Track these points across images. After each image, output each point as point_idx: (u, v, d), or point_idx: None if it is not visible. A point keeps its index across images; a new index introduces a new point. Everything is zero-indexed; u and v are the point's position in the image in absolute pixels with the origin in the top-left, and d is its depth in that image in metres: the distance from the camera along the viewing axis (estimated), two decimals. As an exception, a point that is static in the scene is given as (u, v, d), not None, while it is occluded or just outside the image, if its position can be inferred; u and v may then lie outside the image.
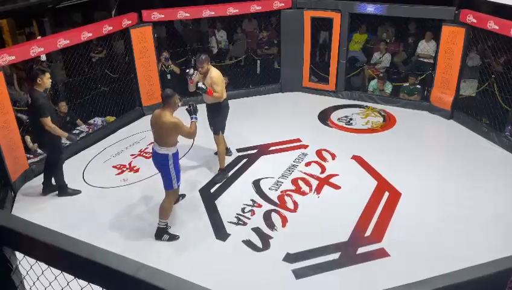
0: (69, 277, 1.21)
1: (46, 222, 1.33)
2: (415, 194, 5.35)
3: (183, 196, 5.36)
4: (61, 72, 7.90)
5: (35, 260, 1.26)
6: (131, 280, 1.03)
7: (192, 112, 4.69)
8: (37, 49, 5.90)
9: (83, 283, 1.17)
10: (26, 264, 1.40)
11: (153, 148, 4.57)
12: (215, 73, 5.39)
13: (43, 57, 7.29)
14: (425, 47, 8.07)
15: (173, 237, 4.65)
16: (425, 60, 8.08)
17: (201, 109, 5.32)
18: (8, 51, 5.70)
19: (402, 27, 8.69)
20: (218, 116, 5.66)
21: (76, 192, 5.53)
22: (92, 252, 1.12)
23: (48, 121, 4.99)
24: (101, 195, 5.57)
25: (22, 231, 1.22)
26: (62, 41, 6.20)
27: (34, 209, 5.26)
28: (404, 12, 7.56)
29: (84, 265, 1.11)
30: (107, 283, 1.10)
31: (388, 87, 8.14)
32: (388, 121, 7.47)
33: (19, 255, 1.35)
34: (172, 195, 4.62)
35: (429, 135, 7.13)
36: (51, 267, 1.23)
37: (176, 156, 4.52)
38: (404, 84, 8.01)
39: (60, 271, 1.20)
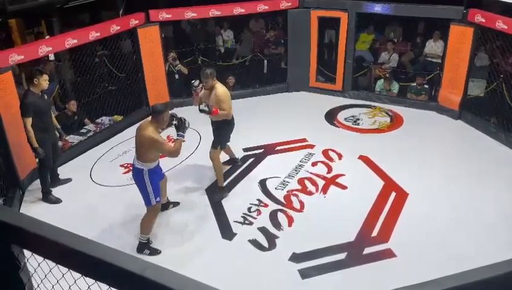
0: (77, 275, 1.21)
1: (54, 220, 1.34)
2: (422, 194, 5.32)
3: (176, 203, 5.21)
4: (69, 71, 7.94)
5: (43, 258, 1.27)
6: (139, 278, 1.03)
7: (180, 127, 4.26)
8: (45, 48, 5.95)
9: (90, 281, 1.17)
10: (34, 262, 1.41)
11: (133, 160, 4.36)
12: (221, 90, 5.02)
13: (52, 57, 7.34)
14: (433, 47, 8.03)
15: (155, 252, 4.44)
16: (433, 60, 8.03)
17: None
18: (17, 50, 5.75)
19: (409, 26, 8.64)
20: (221, 131, 5.28)
21: (58, 201, 5.43)
22: (99, 250, 1.12)
23: (26, 121, 4.98)
24: (108, 194, 5.60)
25: (30, 229, 1.23)
26: (70, 40, 6.25)
27: (42, 208, 5.30)
28: (412, 11, 7.51)
29: (91, 263, 1.11)
30: (114, 281, 1.11)
31: (395, 87, 8.10)
32: (395, 121, 7.44)
33: (27, 253, 1.36)
34: (153, 211, 4.38)
35: (437, 135, 7.09)
36: (59, 266, 1.24)
37: (153, 172, 4.25)
38: (412, 84, 7.97)
39: (68, 269, 1.21)
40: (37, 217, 1.30)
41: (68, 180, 5.83)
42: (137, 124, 7.39)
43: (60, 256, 1.21)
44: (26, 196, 5.61)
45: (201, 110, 4.90)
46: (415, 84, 7.90)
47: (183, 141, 4.29)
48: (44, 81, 5.08)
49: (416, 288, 1.06)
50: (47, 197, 5.43)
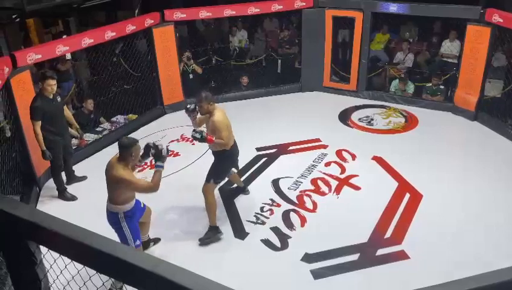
0: (91, 272, 1.23)
1: (69, 217, 1.36)
2: (436, 196, 5.27)
3: (157, 240, 4.61)
4: (85, 70, 8.05)
5: (58, 254, 1.30)
6: (150, 275, 1.05)
7: (158, 157, 3.73)
8: (62, 48, 6.03)
9: (104, 277, 1.19)
10: (50, 258, 1.44)
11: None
12: (217, 117, 4.41)
13: (68, 56, 7.45)
14: (449, 47, 7.93)
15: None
16: (449, 60, 7.94)
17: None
18: (34, 49, 5.84)
19: (425, 26, 8.55)
20: (218, 163, 4.66)
21: (74, 198, 5.50)
22: (113, 247, 1.15)
23: (34, 124, 5.04)
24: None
25: (46, 225, 1.25)
26: (87, 40, 6.32)
27: (58, 205, 5.38)
28: (428, 11, 7.43)
29: (105, 260, 1.13)
30: (127, 277, 1.13)
31: (410, 87, 8.03)
32: (410, 122, 7.37)
33: (43, 249, 1.38)
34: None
35: (452, 136, 7.00)
36: (74, 262, 1.26)
37: (130, 214, 3.78)
38: (427, 85, 7.89)
39: (83, 265, 1.23)
40: (52, 213, 1.33)
41: (84, 177, 5.91)
42: (152, 123, 7.61)
43: (75, 252, 1.24)
44: (43, 192, 5.70)
45: (193, 137, 4.35)
46: (430, 84, 7.81)
47: (162, 170, 3.77)
48: (48, 86, 5.07)
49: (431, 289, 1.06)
50: (63, 195, 5.51)
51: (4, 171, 5.07)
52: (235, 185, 5.48)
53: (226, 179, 5.10)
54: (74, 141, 6.71)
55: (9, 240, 1.40)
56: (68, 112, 5.59)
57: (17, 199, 5.16)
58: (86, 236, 1.20)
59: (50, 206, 5.34)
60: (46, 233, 1.26)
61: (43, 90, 5.12)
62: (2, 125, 5.49)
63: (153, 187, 3.69)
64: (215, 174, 4.61)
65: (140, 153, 3.82)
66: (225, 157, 4.62)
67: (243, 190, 5.46)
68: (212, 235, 4.62)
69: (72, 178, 5.78)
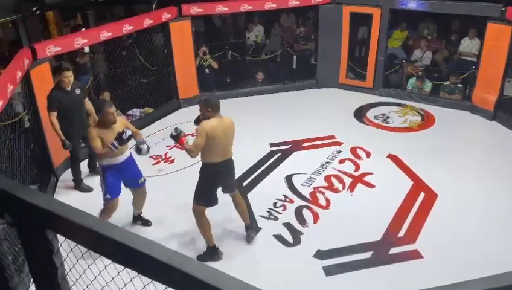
0: (107, 261, 1.26)
1: (85, 207, 1.39)
2: (452, 196, 5.21)
3: (147, 222, 4.87)
4: (102, 63, 8.13)
5: (75, 243, 1.32)
6: (165, 266, 1.07)
7: (119, 139, 4.14)
8: (81, 40, 6.11)
9: (119, 267, 1.21)
10: (66, 247, 1.47)
11: None
12: (206, 123, 4.00)
13: (86, 49, 7.53)
14: (468, 45, 7.80)
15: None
16: (468, 58, 7.80)
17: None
18: (54, 42, 5.92)
19: (444, 23, 8.41)
20: (200, 179, 4.21)
21: (90, 189, 5.59)
22: (128, 237, 1.16)
23: (49, 115, 5.13)
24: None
25: (64, 215, 1.28)
26: (105, 33, 6.39)
27: (74, 195, 5.46)
28: (448, 8, 7.32)
29: (120, 250, 1.15)
30: (141, 268, 1.14)
31: (428, 86, 7.93)
32: (427, 121, 7.29)
33: (60, 238, 1.41)
34: (106, 205, 4.39)
35: (470, 135, 6.90)
36: (90, 251, 1.29)
37: (108, 169, 4.29)
38: (445, 83, 7.77)
39: (99, 255, 1.25)
40: (69, 203, 1.35)
41: None
42: (167, 117, 7.66)
43: (91, 241, 1.26)
44: (60, 183, 5.79)
45: (170, 135, 4.21)
46: (448, 83, 7.70)
47: (113, 149, 4.14)
48: (65, 78, 5.15)
49: (444, 289, 1.05)
50: (79, 186, 5.60)
51: (23, 161, 5.16)
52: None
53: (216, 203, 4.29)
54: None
55: (27, 229, 1.43)
56: (89, 105, 5.67)
57: (35, 189, 5.25)
58: (101, 226, 1.22)
59: (66, 196, 5.43)
60: (63, 222, 1.28)
61: (61, 82, 5.20)
62: (21, 116, 5.58)
63: (97, 150, 4.19)
64: (196, 193, 4.20)
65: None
66: (205, 172, 4.17)
67: (246, 228, 4.58)
68: (207, 258, 4.23)
69: (94, 170, 5.83)
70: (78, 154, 5.52)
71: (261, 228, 4.78)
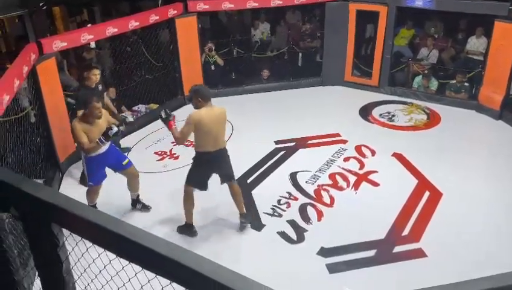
0: (112, 256, 1.26)
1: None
2: (457, 195, 5.19)
3: (146, 207, 5.04)
4: (108, 59, 8.15)
5: (80, 237, 1.33)
6: (170, 261, 1.07)
7: (105, 134, 4.28)
8: (87, 36, 6.12)
9: (124, 261, 1.22)
10: (72, 241, 1.48)
11: None
12: (195, 112, 4.16)
13: (93, 44, 7.55)
14: (475, 43, 7.75)
15: None
16: (475, 57, 7.75)
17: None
18: (60, 37, 5.94)
19: (451, 22, 8.36)
20: (192, 164, 4.46)
21: None
22: (133, 232, 1.16)
23: (78, 112, 5.18)
24: (142, 179, 5.71)
25: (69, 209, 1.28)
26: (111, 29, 6.40)
27: (79, 190, 5.48)
28: (455, 6, 7.26)
29: (125, 244, 1.16)
30: (145, 262, 1.15)
31: (433, 84, 7.88)
32: (432, 119, 7.25)
33: (65, 232, 1.42)
34: (89, 189, 4.75)
35: (475, 135, 6.87)
36: (95, 245, 1.30)
37: (92, 161, 4.49)
38: (451, 82, 7.73)
39: (104, 249, 1.26)
40: (74, 198, 1.36)
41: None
42: (172, 113, 7.63)
43: (96, 236, 1.27)
44: (65, 177, 5.82)
45: (160, 117, 4.37)
46: (454, 81, 7.66)
47: (100, 145, 4.32)
48: (93, 76, 5.32)
49: (443, 288, 1.05)
50: (84, 180, 5.62)
51: (29, 156, 5.19)
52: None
53: (207, 189, 4.50)
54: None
55: (33, 223, 1.44)
56: (107, 99, 5.76)
57: (41, 183, 5.28)
58: (107, 220, 1.22)
59: (72, 190, 5.43)
60: (68, 216, 1.28)
61: (87, 79, 5.31)
62: (27, 111, 5.61)
63: (82, 145, 4.31)
64: (188, 175, 4.45)
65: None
66: (197, 160, 4.36)
67: (241, 219, 4.68)
68: (184, 231, 4.61)
69: None
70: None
71: (264, 225, 4.79)
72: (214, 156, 4.29)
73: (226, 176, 4.50)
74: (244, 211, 4.71)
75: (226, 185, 4.54)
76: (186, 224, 4.62)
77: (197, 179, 4.41)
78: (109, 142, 4.54)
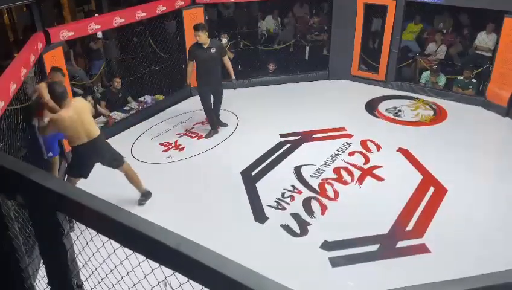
0: (116, 245, 1.27)
1: (94, 190, 1.40)
2: (462, 191, 5.17)
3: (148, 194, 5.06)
4: (115, 49, 8.15)
5: (85, 226, 1.34)
6: (173, 252, 1.08)
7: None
8: (94, 26, 6.12)
9: (128, 250, 1.23)
10: (77, 229, 1.49)
11: None
12: (52, 115, 4.26)
13: (100, 34, 7.54)
14: (484, 39, 7.67)
15: None
16: (483, 53, 7.68)
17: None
18: (67, 27, 5.94)
19: (460, 17, 8.27)
20: (71, 157, 4.73)
21: None
22: (137, 222, 1.17)
23: (188, 63, 6.28)
24: (147, 170, 5.75)
25: (74, 197, 1.29)
26: (118, 19, 6.39)
27: (85, 179, 5.51)
28: (464, 1, 7.18)
29: (129, 234, 1.16)
30: (150, 253, 1.16)
31: (441, 80, 7.83)
32: (439, 115, 7.21)
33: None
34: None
35: (482, 131, 6.82)
36: (100, 234, 1.30)
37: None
38: (459, 78, 7.67)
39: (108, 238, 1.27)
40: (79, 187, 1.37)
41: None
42: (178, 104, 7.68)
43: (100, 225, 1.28)
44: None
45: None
46: (462, 77, 7.60)
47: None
48: (197, 36, 6.02)
49: (445, 284, 1.05)
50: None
51: (35, 146, 5.22)
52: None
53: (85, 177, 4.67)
54: (102, 119, 6.86)
55: (38, 211, 1.45)
56: (227, 60, 6.36)
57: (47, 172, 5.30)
58: (111, 209, 1.23)
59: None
60: (73, 205, 1.29)
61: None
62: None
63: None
64: (69, 166, 4.80)
65: None
66: (74, 155, 4.56)
67: (141, 195, 4.98)
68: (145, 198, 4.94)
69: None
70: (209, 104, 6.37)
71: (268, 218, 4.80)
72: (89, 147, 4.40)
73: (111, 163, 4.66)
74: (145, 189, 4.93)
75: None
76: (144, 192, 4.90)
77: (77, 170, 4.58)
78: None
